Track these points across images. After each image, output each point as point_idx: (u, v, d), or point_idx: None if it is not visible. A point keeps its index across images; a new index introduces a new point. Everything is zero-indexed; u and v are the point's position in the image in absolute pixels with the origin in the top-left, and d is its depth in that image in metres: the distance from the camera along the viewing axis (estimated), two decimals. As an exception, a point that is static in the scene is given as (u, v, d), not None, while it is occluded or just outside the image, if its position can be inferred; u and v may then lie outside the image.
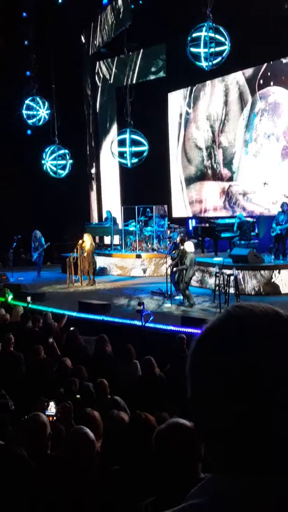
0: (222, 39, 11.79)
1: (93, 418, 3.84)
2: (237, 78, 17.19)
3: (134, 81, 19.47)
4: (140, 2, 17.49)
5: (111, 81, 21.04)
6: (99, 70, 21.46)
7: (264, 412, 0.83)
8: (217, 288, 11.40)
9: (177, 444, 2.22)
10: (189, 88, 18.77)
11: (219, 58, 11.96)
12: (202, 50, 11.88)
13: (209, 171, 18.53)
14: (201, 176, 18.89)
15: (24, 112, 19.12)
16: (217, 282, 11.43)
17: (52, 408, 4.83)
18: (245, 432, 0.84)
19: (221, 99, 17.80)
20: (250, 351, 0.85)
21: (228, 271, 11.71)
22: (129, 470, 2.99)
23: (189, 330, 9.06)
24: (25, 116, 19.18)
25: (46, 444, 3.44)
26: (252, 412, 0.83)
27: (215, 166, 18.29)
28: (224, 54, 11.89)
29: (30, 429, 3.44)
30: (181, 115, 19.27)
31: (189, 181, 19.32)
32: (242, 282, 12.25)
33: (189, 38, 11.88)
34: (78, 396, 5.47)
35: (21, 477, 3.08)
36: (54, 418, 4.59)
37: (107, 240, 19.47)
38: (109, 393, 5.50)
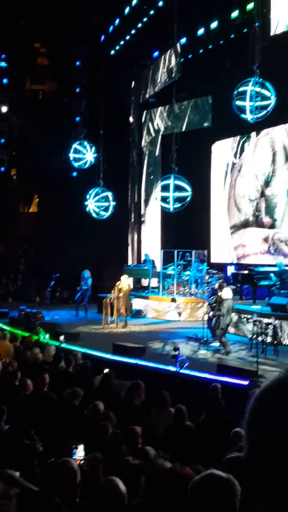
0: (268, 93, 12.02)
1: (134, 470, 3.72)
2: (281, 131, 17.33)
3: (183, 130, 19.90)
4: (190, 56, 18.11)
5: (159, 129, 21.54)
6: (148, 118, 22.03)
7: None
8: (254, 336, 11.23)
9: (213, 496, 2.16)
10: (236, 138, 19.02)
11: (264, 112, 12.15)
12: (247, 104, 12.12)
13: (251, 218, 18.55)
14: (244, 223, 18.91)
15: (72, 155, 19.75)
16: (255, 330, 11.27)
17: (80, 452, 4.78)
18: None
19: (265, 150, 17.93)
20: None
21: (266, 320, 11.54)
22: None
23: (225, 379, 8.91)
24: (72, 159, 19.79)
25: (75, 492, 3.41)
26: None
27: (257, 214, 18.31)
28: (269, 108, 12.09)
29: (60, 476, 3.41)
30: (227, 164, 19.47)
31: (233, 227, 19.36)
32: (279, 332, 12.03)
33: (235, 92, 12.16)
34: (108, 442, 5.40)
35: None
36: (82, 462, 4.54)
37: (144, 282, 19.54)
38: (142, 442, 5.38)
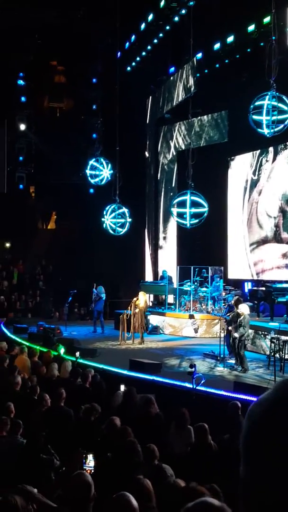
0: (285, 107, 11.98)
1: (145, 488, 3.65)
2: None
3: (201, 145, 19.92)
4: (206, 71, 18.17)
5: (176, 145, 21.56)
6: (169, 136, 22.05)
7: None
8: (272, 354, 11.07)
9: None
10: (255, 153, 18.94)
11: (281, 126, 12.11)
12: (264, 118, 12.09)
13: (270, 234, 18.41)
14: (263, 239, 18.78)
15: (88, 171, 19.92)
16: (273, 347, 11.12)
17: (90, 462, 4.74)
18: None
19: (283, 165, 17.85)
20: None
21: (284, 337, 11.37)
22: None
23: (241, 396, 8.76)
24: (88, 176, 19.96)
25: (89, 506, 3.35)
26: None
27: (275, 229, 18.17)
28: (286, 122, 12.04)
29: (74, 489, 3.36)
30: (246, 180, 19.39)
31: (254, 243, 19.22)
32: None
33: (251, 106, 12.15)
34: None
35: None
36: (93, 471, 4.50)
37: (161, 298, 19.47)
38: (158, 458, 5.27)
